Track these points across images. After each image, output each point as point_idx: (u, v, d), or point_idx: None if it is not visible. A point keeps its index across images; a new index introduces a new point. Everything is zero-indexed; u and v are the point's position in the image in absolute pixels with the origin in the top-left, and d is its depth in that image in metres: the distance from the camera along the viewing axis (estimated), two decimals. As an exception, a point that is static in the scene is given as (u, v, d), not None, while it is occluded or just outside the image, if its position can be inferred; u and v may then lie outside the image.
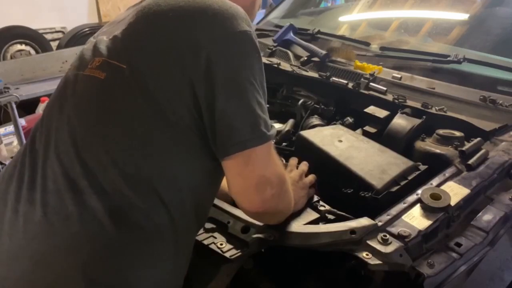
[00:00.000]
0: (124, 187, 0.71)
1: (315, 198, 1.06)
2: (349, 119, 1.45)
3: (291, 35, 1.88)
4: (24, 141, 1.83)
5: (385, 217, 0.90)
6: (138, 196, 0.71)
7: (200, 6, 0.74)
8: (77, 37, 4.40)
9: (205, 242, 0.89)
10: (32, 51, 4.36)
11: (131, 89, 0.73)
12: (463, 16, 1.74)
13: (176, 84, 0.71)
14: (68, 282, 0.68)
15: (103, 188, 0.71)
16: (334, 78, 1.56)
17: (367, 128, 1.37)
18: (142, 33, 0.76)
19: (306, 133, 1.29)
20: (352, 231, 0.85)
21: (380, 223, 0.88)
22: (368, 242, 0.84)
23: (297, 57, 1.79)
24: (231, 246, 0.87)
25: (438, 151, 1.17)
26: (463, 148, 1.11)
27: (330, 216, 1.02)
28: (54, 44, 4.65)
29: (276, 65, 1.69)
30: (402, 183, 1.07)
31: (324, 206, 1.04)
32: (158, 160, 0.73)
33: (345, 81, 1.54)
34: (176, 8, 0.74)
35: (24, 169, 0.79)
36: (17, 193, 0.77)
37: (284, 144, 1.37)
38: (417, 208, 0.92)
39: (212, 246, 0.87)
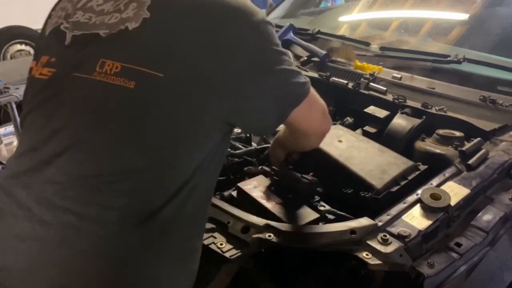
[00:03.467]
0: (148, 191, 0.71)
1: (315, 197, 1.06)
2: (349, 119, 1.45)
3: (291, 35, 1.88)
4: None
5: (385, 217, 0.90)
6: (162, 198, 0.72)
7: (226, 6, 0.73)
8: (77, 37, 4.40)
9: (205, 242, 0.88)
10: (32, 51, 4.36)
11: (168, 98, 0.71)
12: (463, 16, 1.74)
13: (217, 84, 0.71)
14: (98, 286, 0.68)
15: (128, 194, 0.70)
16: (334, 78, 1.56)
17: (367, 128, 1.37)
18: (170, 35, 0.72)
19: (306, 133, 1.29)
20: (352, 231, 0.85)
21: (380, 223, 0.88)
22: (368, 242, 0.84)
23: (297, 57, 1.79)
24: (231, 246, 0.87)
25: (438, 151, 1.17)
26: (463, 148, 1.11)
27: (330, 216, 1.02)
28: (54, 44, 4.64)
29: (276, 65, 1.69)
30: (402, 183, 1.07)
31: (324, 206, 1.04)
32: (184, 167, 0.73)
33: (345, 81, 1.54)
34: (200, 9, 0.73)
35: (27, 178, 0.74)
36: (25, 201, 0.72)
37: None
38: (417, 208, 0.92)
39: (212, 246, 0.87)
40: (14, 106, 1.80)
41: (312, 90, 0.83)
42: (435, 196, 0.93)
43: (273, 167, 1.11)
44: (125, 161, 0.71)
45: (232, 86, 0.72)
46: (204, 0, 0.73)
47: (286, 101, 0.78)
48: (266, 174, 1.12)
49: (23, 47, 4.33)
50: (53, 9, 0.87)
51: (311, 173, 1.09)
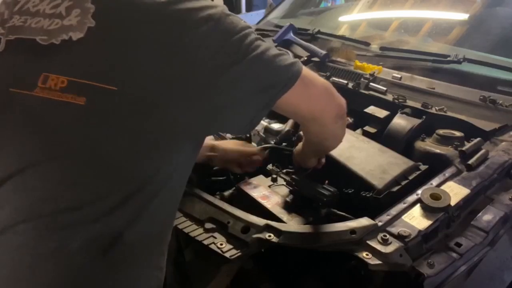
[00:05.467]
0: (111, 216, 0.64)
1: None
2: (349, 119, 1.45)
3: (291, 35, 1.88)
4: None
5: (385, 217, 0.90)
6: (126, 220, 0.66)
7: (180, 6, 0.66)
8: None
9: (205, 242, 0.89)
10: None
11: (125, 112, 0.63)
12: (463, 16, 1.74)
13: (179, 89, 0.64)
14: None
15: (89, 221, 0.63)
16: (334, 78, 1.56)
17: (367, 128, 1.37)
18: (119, 45, 0.64)
19: (306, 133, 1.29)
20: (352, 231, 0.85)
21: (380, 223, 0.88)
22: (368, 242, 0.84)
23: (297, 57, 1.79)
24: (231, 246, 0.87)
25: (438, 151, 1.17)
26: (463, 148, 1.11)
27: (331, 216, 1.02)
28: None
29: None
30: (403, 183, 1.07)
31: (324, 206, 1.04)
32: (150, 183, 0.67)
33: (345, 81, 1.53)
34: (152, 12, 0.65)
35: None
36: None
37: (284, 144, 1.37)
38: (417, 208, 0.92)
39: (212, 246, 0.87)
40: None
41: (306, 70, 0.76)
42: (435, 196, 0.93)
43: (294, 176, 1.09)
44: (84, 187, 0.64)
45: (199, 87, 0.65)
46: (153, 1, 0.66)
47: (269, 89, 0.71)
48: (288, 183, 1.11)
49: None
50: None
51: (326, 181, 1.08)
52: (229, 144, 1.19)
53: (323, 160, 1.14)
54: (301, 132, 1.30)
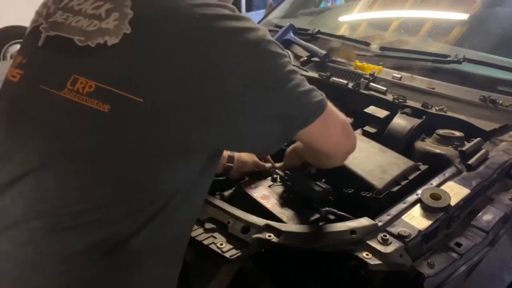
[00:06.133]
0: (117, 222, 0.64)
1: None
2: (349, 119, 1.45)
3: (291, 35, 1.88)
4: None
5: (385, 217, 0.90)
6: (133, 227, 0.65)
7: (219, 23, 0.65)
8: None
9: (205, 242, 0.89)
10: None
11: (147, 124, 0.63)
12: (463, 16, 1.74)
13: (204, 110, 0.64)
14: None
15: (94, 225, 0.63)
16: (334, 78, 1.56)
17: (367, 128, 1.36)
18: (152, 56, 0.63)
19: (306, 133, 1.29)
20: (352, 231, 0.85)
21: (380, 223, 0.88)
22: (368, 242, 0.84)
23: (297, 57, 1.79)
24: (231, 246, 0.87)
25: (438, 151, 1.17)
26: (463, 148, 1.11)
27: (330, 216, 1.02)
28: (54, 44, 4.63)
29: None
30: (403, 183, 1.07)
31: (324, 206, 1.04)
32: (160, 193, 0.67)
33: (345, 81, 1.53)
34: (189, 26, 0.64)
35: None
36: None
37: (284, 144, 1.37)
38: (417, 208, 0.92)
39: (212, 246, 0.87)
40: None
41: (330, 106, 0.77)
42: (435, 196, 0.93)
43: (288, 172, 1.10)
44: (95, 192, 0.64)
45: (223, 112, 0.65)
46: (193, 14, 0.64)
47: (291, 120, 0.71)
48: (282, 179, 1.11)
49: (23, 47, 4.32)
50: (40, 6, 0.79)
51: (323, 180, 1.08)
52: (244, 155, 1.19)
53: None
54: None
